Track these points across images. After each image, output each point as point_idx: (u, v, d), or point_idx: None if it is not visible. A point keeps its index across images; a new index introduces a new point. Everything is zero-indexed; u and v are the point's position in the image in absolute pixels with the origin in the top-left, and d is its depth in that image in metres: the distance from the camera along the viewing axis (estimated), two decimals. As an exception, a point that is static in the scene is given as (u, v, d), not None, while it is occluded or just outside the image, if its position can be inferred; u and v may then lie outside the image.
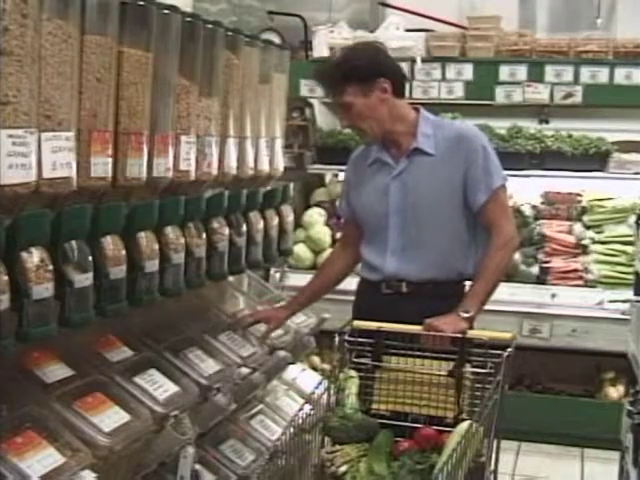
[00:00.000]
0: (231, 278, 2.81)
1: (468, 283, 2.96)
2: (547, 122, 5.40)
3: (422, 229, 2.92)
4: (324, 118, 5.74)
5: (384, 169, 2.98)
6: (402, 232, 2.94)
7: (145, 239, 2.05)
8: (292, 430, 2.30)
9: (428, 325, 2.69)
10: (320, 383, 2.49)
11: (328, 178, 5.87)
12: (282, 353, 2.78)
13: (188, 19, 2.19)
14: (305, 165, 5.39)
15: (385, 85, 2.87)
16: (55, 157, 1.70)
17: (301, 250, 5.23)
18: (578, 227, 5.11)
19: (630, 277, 4.40)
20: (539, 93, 5.10)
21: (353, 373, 2.52)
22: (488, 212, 2.91)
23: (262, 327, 2.87)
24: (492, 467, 2.37)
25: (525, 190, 5.20)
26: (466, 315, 2.76)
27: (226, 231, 2.46)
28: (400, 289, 2.95)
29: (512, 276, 4.74)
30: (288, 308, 3.06)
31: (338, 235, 5.28)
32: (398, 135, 2.95)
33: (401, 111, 2.95)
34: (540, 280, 4.93)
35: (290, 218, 2.99)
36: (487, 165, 2.92)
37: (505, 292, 4.43)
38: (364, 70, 2.86)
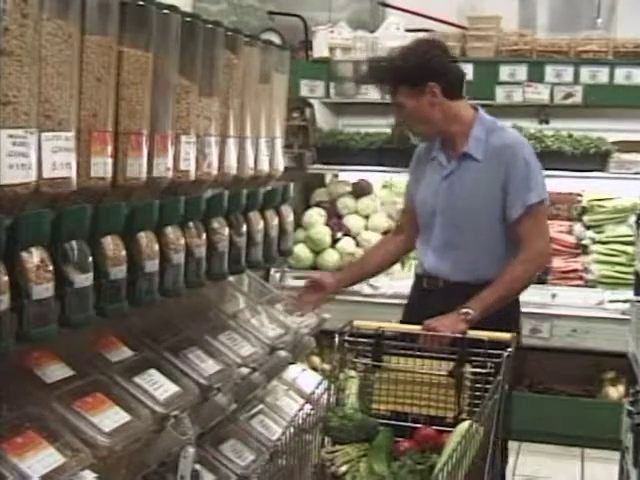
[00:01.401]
0: (231, 278, 2.81)
1: None
2: (547, 122, 5.41)
3: (461, 232, 2.97)
4: (324, 118, 5.75)
5: (438, 168, 3.04)
6: (444, 232, 3.00)
7: (145, 239, 2.05)
8: (292, 430, 2.30)
9: (427, 326, 2.70)
10: (320, 383, 2.49)
11: (328, 178, 5.87)
12: (282, 353, 2.78)
13: (188, 19, 2.19)
14: (305, 165, 5.39)
15: (435, 89, 2.87)
16: (55, 157, 1.70)
17: (301, 250, 5.23)
18: (578, 227, 5.12)
19: (630, 277, 4.40)
20: (539, 93, 5.10)
21: (353, 373, 2.52)
22: (520, 227, 2.91)
23: (263, 328, 2.87)
24: (495, 467, 2.37)
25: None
26: (466, 315, 2.77)
27: (226, 231, 2.46)
28: (437, 285, 3.02)
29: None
30: (338, 282, 3.19)
31: (338, 235, 5.31)
32: (453, 135, 2.98)
33: (457, 112, 2.97)
34: (540, 280, 4.92)
35: (290, 218, 2.99)
36: (527, 179, 2.92)
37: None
38: (413, 74, 2.88)
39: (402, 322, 2.99)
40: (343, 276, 3.31)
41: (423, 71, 2.89)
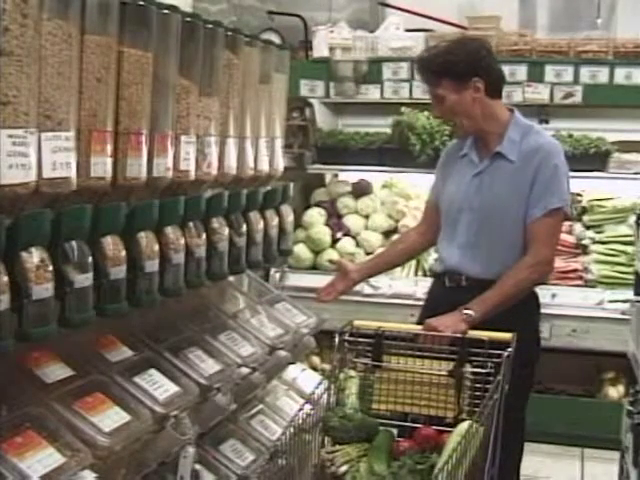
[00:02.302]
0: (231, 278, 2.81)
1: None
2: (547, 122, 5.40)
3: (488, 231, 2.98)
4: (324, 118, 5.74)
5: (469, 165, 3.05)
6: (470, 229, 3.01)
7: (145, 239, 2.05)
8: (292, 430, 2.30)
9: (428, 325, 2.70)
10: (320, 383, 2.49)
11: (328, 178, 5.87)
12: (282, 353, 2.78)
13: (188, 19, 2.19)
14: (305, 165, 5.39)
15: (479, 85, 2.91)
16: (55, 157, 1.70)
17: (301, 250, 5.23)
18: (578, 227, 5.11)
19: (630, 277, 4.40)
20: (539, 93, 5.10)
21: (353, 373, 2.52)
22: (534, 229, 2.93)
23: (263, 328, 2.87)
24: (495, 466, 2.37)
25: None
26: (468, 315, 2.77)
27: (226, 231, 2.46)
28: (460, 282, 3.03)
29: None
30: (359, 271, 3.26)
31: (338, 235, 5.30)
32: (488, 134, 3.00)
33: (494, 111, 2.99)
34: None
35: (290, 218, 2.99)
36: (553, 183, 2.93)
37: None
38: (460, 67, 2.91)
39: (419, 322, 3.00)
40: (366, 267, 3.38)
41: (470, 66, 2.92)
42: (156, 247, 2.09)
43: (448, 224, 3.11)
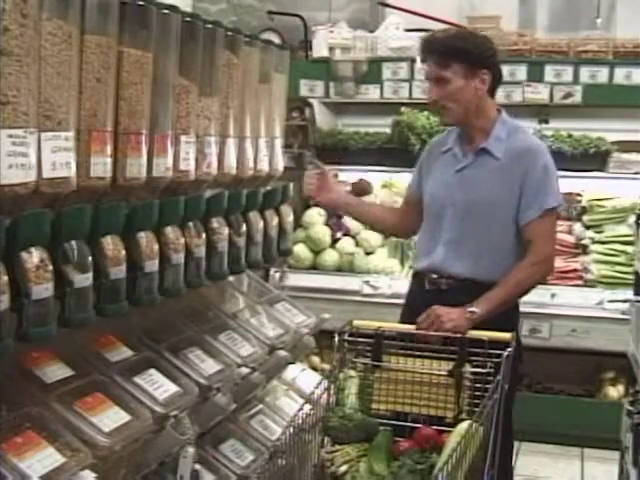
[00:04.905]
0: (231, 278, 2.81)
1: None
2: (547, 122, 5.41)
3: (471, 228, 2.97)
4: (324, 118, 5.74)
5: (452, 161, 3.05)
6: (453, 226, 3.00)
7: (145, 239, 2.05)
8: (292, 430, 2.30)
9: (433, 311, 2.70)
10: (320, 383, 2.49)
11: (328, 178, 5.86)
12: (282, 353, 2.78)
13: (188, 19, 2.19)
14: (305, 165, 5.38)
15: (485, 77, 2.92)
16: (55, 157, 1.70)
17: (301, 250, 5.23)
18: (578, 227, 5.11)
19: (630, 277, 4.40)
20: (539, 93, 5.10)
21: (353, 373, 2.52)
22: (532, 230, 2.92)
23: (263, 328, 2.87)
24: (496, 466, 2.37)
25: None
26: (472, 313, 2.76)
27: (226, 231, 2.46)
28: (440, 286, 3.00)
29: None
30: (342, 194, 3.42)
31: (338, 235, 5.31)
32: (474, 130, 3.00)
33: (485, 107, 3.00)
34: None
35: (290, 218, 2.99)
36: (545, 184, 2.93)
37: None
38: (474, 55, 2.92)
39: (402, 321, 2.99)
40: (352, 199, 3.51)
41: (483, 57, 2.94)
42: (156, 247, 2.09)
43: (430, 221, 3.09)
